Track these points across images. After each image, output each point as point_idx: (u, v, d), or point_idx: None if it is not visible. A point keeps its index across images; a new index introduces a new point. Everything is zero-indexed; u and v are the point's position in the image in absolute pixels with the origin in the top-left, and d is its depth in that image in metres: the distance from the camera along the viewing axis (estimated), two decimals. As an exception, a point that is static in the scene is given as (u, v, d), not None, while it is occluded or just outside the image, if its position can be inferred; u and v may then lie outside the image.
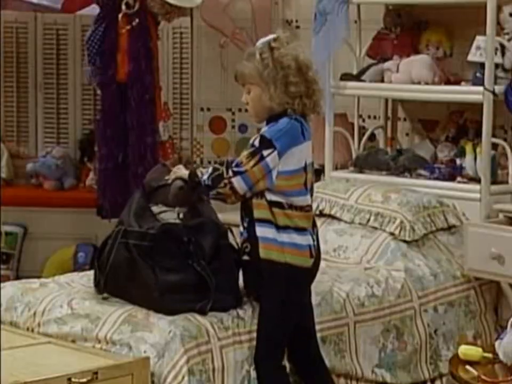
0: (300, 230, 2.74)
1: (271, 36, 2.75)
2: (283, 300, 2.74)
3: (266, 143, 2.68)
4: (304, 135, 2.73)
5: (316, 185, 3.83)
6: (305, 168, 2.75)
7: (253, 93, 2.73)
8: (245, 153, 2.71)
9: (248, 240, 2.76)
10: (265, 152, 2.68)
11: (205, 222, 2.83)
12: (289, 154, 2.70)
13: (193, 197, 2.82)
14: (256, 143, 2.70)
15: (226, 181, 2.70)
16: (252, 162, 2.69)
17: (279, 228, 2.72)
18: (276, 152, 2.68)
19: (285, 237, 2.72)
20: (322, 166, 4.03)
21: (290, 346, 2.81)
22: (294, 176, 2.74)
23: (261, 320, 2.77)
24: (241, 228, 2.79)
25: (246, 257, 2.77)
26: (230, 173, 2.69)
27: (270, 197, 2.72)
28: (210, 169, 2.74)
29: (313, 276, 2.82)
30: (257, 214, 2.73)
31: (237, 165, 2.69)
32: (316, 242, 2.78)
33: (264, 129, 2.75)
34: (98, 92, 4.12)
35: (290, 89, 2.69)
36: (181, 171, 2.82)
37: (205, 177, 2.72)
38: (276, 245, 2.71)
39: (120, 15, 3.97)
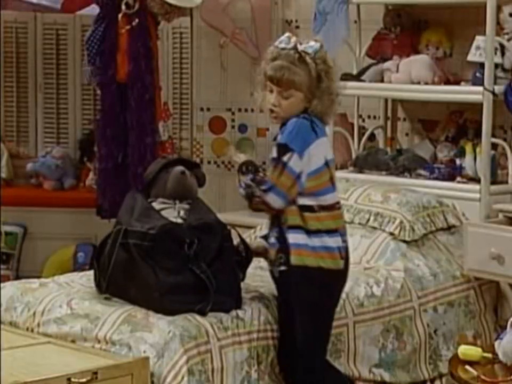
0: (330, 232, 2.73)
1: (314, 43, 2.72)
2: (317, 304, 2.74)
3: (282, 149, 2.68)
4: (316, 132, 2.72)
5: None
6: (327, 164, 2.75)
7: (294, 98, 2.70)
8: (270, 171, 2.69)
9: (281, 249, 2.75)
10: (285, 158, 2.67)
11: (209, 223, 2.83)
12: (309, 154, 2.69)
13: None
14: (274, 154, 2.69)
15: (258, 199, 2.70)
16: (276, 173, 2.68)
17: (310, 232, 2.71)
18: (295, 154, 2.67)
19: (316, 241, 2.71)
20: (322, 166, 4.03)
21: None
22: (319, 175, 2.73)
23: (295, 327, 2.75)
24: (272, 239, 2.77)
25: (283, 268, 2.76)
26: (261, 193, 2.69)
27: (301, 201, 2.71)
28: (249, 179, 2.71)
29: (345, 278, 2.82)
30: (287, 220, 2.72)
31: (264, 183, 2.68)
32: (345, 243, 2.78)
33: (278, 137, 2.73)
34: (98, 92, 4.12)
35: (324, 104, 2.71)
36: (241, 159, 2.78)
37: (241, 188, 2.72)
38: (308, 250, 2.71)
39: (120, 15, 3.97)
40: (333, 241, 2.73)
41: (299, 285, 2.72)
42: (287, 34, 2.79)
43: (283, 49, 2.73)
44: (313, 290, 2.72)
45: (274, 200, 2.70)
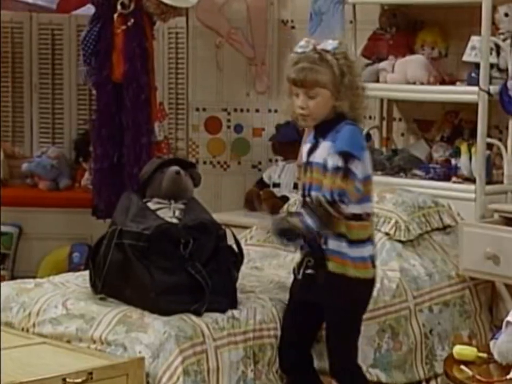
0: (366, 241, 2.74)
1: (332, 41, 2.73)
2: (352, 311, 2.78)
3: (347, 157, 2.66)
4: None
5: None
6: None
7: (321, 97, 2.69)
8: (335, 180, 2.65)
9: (312, 254, 2.74)
10: (353, 167, 2.66)
11: (204, 223, 2.83)
12: (365, 160, 2.71)
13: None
14: (340, 162, 2.65)
15: (336, 213, 2.66)
16: (345, 181, 2.65)
17: (351, 241, 2.71)
18: (358, 161, 2.68)
19: (356, 251, 2.72)
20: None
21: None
22: (368, 182, 2.75)
23: (339, 333, 2.79)
24: (300, 241, 2.74)
25: (310, 271, 2.76)
26: (338, 205, 2.65)
27: (351, 209, 2.69)
28: (307, 211, 2.67)
29: (374, 285, 2.85)
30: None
31: (339, 195, 2.64)
32: (374, 251, 2.81)
33: (327, 144, 2.69)
34: (94, 92, 4.12)
35: (361, 99, 2.71)
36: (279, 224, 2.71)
37: (309, 221, 2.65)
38: (348, 260, 2.71)
39: (115, 15, 3.96)
40: (366, 251, 2.75)
41: (337, 292, 2.72)
42: (305, 39, 2.80)
43: (302, 52, 2.73)
44: (350, 298, 2.74)
45: (346, 208, 2.67)
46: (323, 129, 2.74)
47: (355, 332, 2.82)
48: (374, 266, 2.78)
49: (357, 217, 2.71)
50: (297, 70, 2.72)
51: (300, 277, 2.79)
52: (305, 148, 2.83)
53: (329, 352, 2.81)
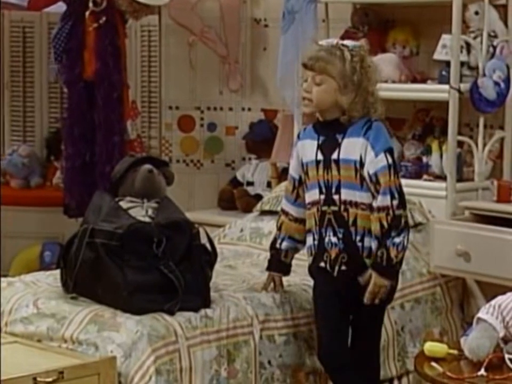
0: None
1: (353, 42, 2.81)
2: (384, 307, 2.87)
3: (393, 153, 2.75)
4: None
5: (284, 183, 3.85)
6: None
7: (326, 85, 2.72)
8: (389, 178, 2.71)
9: (345, 250, 2.77)
10: (396, 162, 2.76)
11: (177, 221, 2.82)
12: None
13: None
14: (390, 161, 2.72)
15: (405, 212, 2.74)
16: (399, 178, 2.75)
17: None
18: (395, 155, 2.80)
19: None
20: (291, 164, 4.04)
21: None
22: None
23: (372, 329, 2.86)
24: (333, 239, 2.77)
25: (343, 268, 2.78)
26: (399, 202, 2.72)
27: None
28: (391, 237, 2.72)
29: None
30: (364, 224, 2.74)
31: (398, 191, 2.72)
32: None
33: (356, 140, 2.73)
34: (65, 90, 4.09)
35: (369, 99, 2.74)
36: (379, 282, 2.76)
37: (399, 240, 2.72)
38: None
39: (87, 13, 3.95)
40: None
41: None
42: (329, 39, 2.89)
43: (321, 45, 2.80)
44: (386, 295, 2.79)
45: (404, 202, 2.76)
46: (339, 125, 2.75)
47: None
48: None
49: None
50: (310, 54, 2.78)
51: (334, 274, 2.79)
52: (308, 144, 2.82)
53: (359, 348, 2.84)
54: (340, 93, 2.73)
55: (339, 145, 2.76)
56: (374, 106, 2.78)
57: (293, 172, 2.90)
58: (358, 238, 2.76)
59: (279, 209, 3.58)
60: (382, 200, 2.72)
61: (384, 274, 2.74)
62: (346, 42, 2.81)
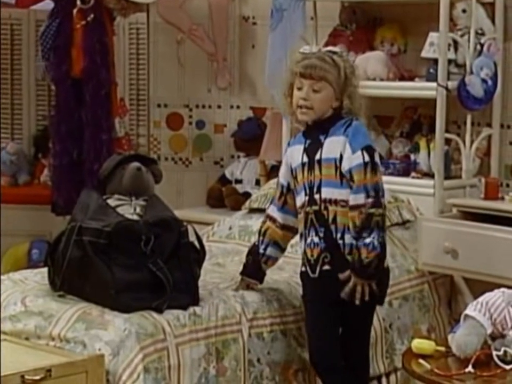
0: None
1: (336, 48, 2.88)
2: (373, 304, 2.85)
3: (372, 150, 2.75)
4: None
5: (273, 181, 3.87)
6: None
7: (325, 92, 2.76)
8: (365, 176, 2.70)
9: (326, 249, 2.76)
10: (376, 159, 2.75)
11: (166, 219, 2.82)
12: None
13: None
14: (367, 158, 2.71)
15: (379, 210, 2.71)
16: (378, 176, 2.73)
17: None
18: (377, 153, 2.78)
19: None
20: (280, 162, 4.03)
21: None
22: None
23: (361, 329, 2.86)
24: (315, 238, 2.77)
25: (326, 267, 2.77)
26: (381, 200, 2.71)
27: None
28: (362, 237, 2.71)
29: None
30: (343, 220, 2.74)
31: (375, 190, 2.70)
32: None
33: (337, 138, 2.74)
34: (53, 87, 4.08)
35: (356, 98, 2.79)
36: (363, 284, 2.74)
37: (369, 240, 2.70)
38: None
39: (75, 10, 3.94)
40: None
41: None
42: (306, 46, 2.94)
43: (309, 52, 2.82)
44: (378, 289, 2.78)
45: (384, 200, 2.74)
46: (322, 127, 2.78)
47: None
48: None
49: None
50: (306, 64, 2.79)
51: (316, 275, 2.79)
52: (296, 149, 2.84)
53: (349, 348, 2.83)
54: (335, 98, 2.78)
55: (322, 145, 2.79)
56: (356, 106, 2.81)
57: (282, 178, 2.92)
58: (339, 235, 2.76)
59: (267, 207, 3.60)
60: (354, 199, 2.72)
61: (359, 274, 2.73)
62: (331, 48, 2.86)
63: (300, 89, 2.78)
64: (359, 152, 2.72)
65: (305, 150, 2.82)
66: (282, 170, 2.92)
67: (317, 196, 2.78)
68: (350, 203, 2.73)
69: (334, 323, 2.83)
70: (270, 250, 2.94)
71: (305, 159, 2.81)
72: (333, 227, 2.76)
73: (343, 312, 2.82)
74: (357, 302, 2.74)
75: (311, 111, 2.77)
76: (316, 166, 2.78)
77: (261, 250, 2.95)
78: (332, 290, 2.78)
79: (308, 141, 2.82)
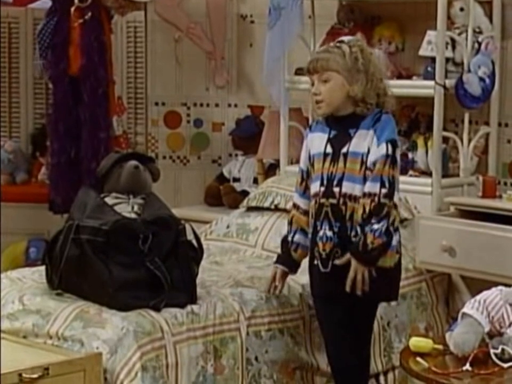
0: (397, 229, 2.78)
1: (349, 37, 2.85)
2: (377, 302, 2.90)
3: (396, 145, 2.72)
4: None
5: (271, 179, 3.87)
6: None
7: (333, 82, 2.73)
8: (384, 167, 2.68)
9: (339, 245, 2.74)
10: (397, 155, 2.73)
11: (164, 218, 2.82)
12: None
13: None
14: (390, 151, 2.69)
15: (391, 202, 2.69)
16: (392, 169, 2.70)
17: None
18: (399, 150, 2.76)
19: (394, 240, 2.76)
20: (278, 161, 4.04)
21: None
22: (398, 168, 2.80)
23: (368, 322, 2.85)
24: (328, 232, 2.75)
25: (337, 262, 2.75)
26: (393, 193, 2.69)
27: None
28: (370, 223, 2.69)
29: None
30: (359, 218, 2.72)
31: (390, 182, 2.69)
32: None
33: (365, 132, 2.71)
34: (50, 86, 4.08)
35: (380, 85, 2.74)
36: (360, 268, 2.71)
37: (377, 226, 2.68)
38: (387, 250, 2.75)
39: (72, 9, 3.93)
40: (396, 238, 2.78)
41: (373, 282, 2.73)
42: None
43: (318, 50, 2.88)
44: (386, 287, 2.79)
45: (396, 196, 2.73)
46: (352, 120, 2.75)
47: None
48: (397, 252, 2.80)
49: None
50: (310, 59, 2.80)
51: (328, 269, 2.77)
52: (318, 136, 2.81)
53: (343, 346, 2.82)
54: (349, 85, 2.73)
55: (351, 138, 2.76)
56: (386, 96, 2.78)
57: (302, 164, 2.89)
58: (353, 233, 2.74)
59: (265, 205, 3.61)
60: (370, 187, 2.70)
61: (360, 260, 2.70)
62: (342, 38, 2.84)
63: (312, 85, 2.78)
64: (384, 144, 2.71)
65: (329, 140, 2.79)
66: (302, 156, 2.89)
67: (336, 189, 2.75)
68: (364, 190, 2.71)
69: (345, 321, 2.81)
70: (297, 238, 2.90)
71: (329, 149, 2.78)
72: (348, 224, 2.74)
73: (349, 308, 2.81)
74: (359, 292, 2.72)
75: (323, 104, 2.76)
76: (341, 159, 2.75)
77: (289, 238, 2.92)
78: (340, 286, 2.74)
79: (334, 132, 2.78)
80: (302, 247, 2.90)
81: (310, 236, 2.83)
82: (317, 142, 2.82)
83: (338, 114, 2.78)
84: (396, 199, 2.73)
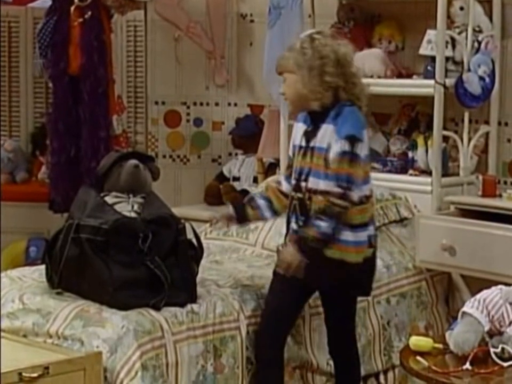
0: (367, 224, 2.76)
1: (310, 31, 2.82)
2: (351, 292, 2.90)
3: (355, 141, 2.67)
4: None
5: (270, 178, 3.87)
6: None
7: (288, 80, 2.75)
8: (341, 165, 2.66)
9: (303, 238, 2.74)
10: (358, 150, 2.68)
11: (163, 217, 2.82)
12: (365, 140, 2.72)
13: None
14: (347, 147, 2.66)
15: (348, 203, 2.67)
16: (352, 166, 2.67)
17: (354, 227, 2.73)
18: (362, 144, 2.69)
19: (359, 236, 2.75)
20: (277, 160, 4.04)
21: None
22: (368, 162, 2.78)
23: (350, 317, 2.90)
24: (294, 225, 2.75)
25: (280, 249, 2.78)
26: (348, 193, 2.66)
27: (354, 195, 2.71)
28: (317, 217, 2.68)
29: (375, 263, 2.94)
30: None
31: (347, 181, 2.66)
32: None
33: (327, 127, 2.70)
34: (50, 85, 4.08)
35: (326, 79, 2.70)
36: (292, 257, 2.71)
37: (325, 228, 2.66)
38: (351, 246, 2.74)
39: (72, 8, 3.94)
40: (367, 233, 2.76)
41: (334, 277, 2.74)
42: None
43: None
44: (349, 282, 2.79)
45: (354, 194, 2.69)
46: (323, 114, 2.73)
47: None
48: (371, 246, 2.78)
49: (357, 201, 2.73)
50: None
51: None
52: (300, 127, 2.81)
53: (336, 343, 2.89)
54: (301, 84, 2.72)
55: (318, 132, 2.76)
56: (336, 92, 2.72)
57: (290, 150, 2.91)
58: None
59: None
60: (326, 185, 2.69)
61: (295, 244, 2.69)
62: (302, 34, 2.81)
63: None
64: (341, 141, 2.68)
65: (305, 133, 2.80)
66: (290, 144, 2.91)
67: (303, 184, 2.76)
68: (320, 187, 2.70)
69: (296, 311, 2.84)
70: (261, 202, 2.90)
71: (303, 143, 2.80)
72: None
73: (324, 303, 2.84)
74: (279, 270, 2.72)
75: (288, 102, 2.80)
76: (309, 153, 2.77)
77: (255, 197, 2.93)
78: (308, 278, 2.75)
79: (311, 126, 2.79)
80: (260, 211, 2.91)
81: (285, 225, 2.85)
82: (298, 133, 2.84)
83: (310, 109, 2.78)
84: (355, 197, 2.69)
